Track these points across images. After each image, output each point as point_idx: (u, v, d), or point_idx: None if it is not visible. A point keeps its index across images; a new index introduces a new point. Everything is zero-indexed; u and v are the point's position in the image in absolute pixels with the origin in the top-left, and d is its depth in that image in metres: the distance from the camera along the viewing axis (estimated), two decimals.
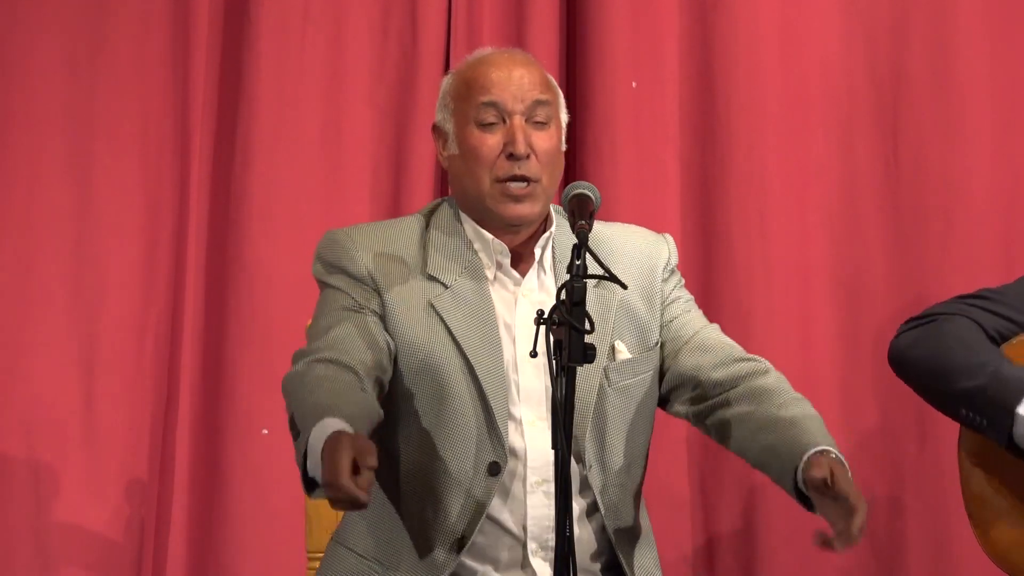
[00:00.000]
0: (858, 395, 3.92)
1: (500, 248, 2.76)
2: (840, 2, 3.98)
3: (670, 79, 3.97)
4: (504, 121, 2.73)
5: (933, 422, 3.77)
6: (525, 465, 2.69)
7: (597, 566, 2.77)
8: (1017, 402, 3.11)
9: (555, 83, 2.81)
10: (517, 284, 2.76)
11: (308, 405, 2.49)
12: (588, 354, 2.38)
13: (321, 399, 2.49)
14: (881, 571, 3.91)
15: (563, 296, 2.40)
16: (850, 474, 2.56)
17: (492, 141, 2.72)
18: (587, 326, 2.38)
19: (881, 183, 3.97)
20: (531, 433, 2.70)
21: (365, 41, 3.95)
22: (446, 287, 2.72)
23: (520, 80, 2.73)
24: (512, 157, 2.70)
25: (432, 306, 2.70)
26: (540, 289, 2.77)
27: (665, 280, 2.86)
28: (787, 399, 2.74)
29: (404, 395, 2.69)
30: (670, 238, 2.92)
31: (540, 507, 2.69)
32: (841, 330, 3.94)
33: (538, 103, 2.73)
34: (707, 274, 3.94)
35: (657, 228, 2.96)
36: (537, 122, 2.74)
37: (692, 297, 2.90)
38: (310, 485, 2.45)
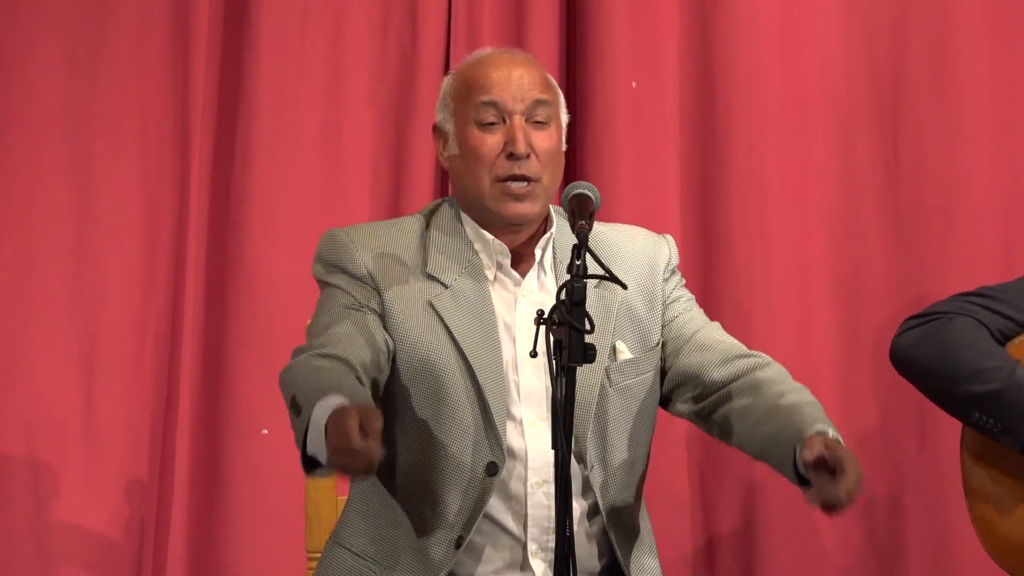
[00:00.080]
0: (858, 395, 3.92)
1: (500, 248, 2.76)
2: (840, 2, 3.98)
3: (670, 79, 3.97)
4: (504, 121, 2.73)
5: (933, 422, 3.77)
6: (525, 466, 2.69)
7: (597, 567, 2.77)
8: None
9: (555, 83, 2.81)
10: (517, 284, 2.76)
11: (310, 386, 2.49)
12: (588, 354, 2.38)
13: (323, 382, 2.49)
14: (881, 571, 3.91)
15: (563, 296, 2.40)
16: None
17: (492, 141, 2.72)
18: (587, 326, 2.38)
19: (881, 183, 3.97)
20: (531, 433, 2.70)
21: (365, 41, 3.95)
22: (446, 287, 2.73)
23: (520, 80, 2.73)
24: (512, 157, 2.71)
25: (431, 305, 2.70)
26: (540, 290, 2.77)
27: (666, 280, 2.86)
28: (787, 388, 2.74)
29: (403, 394, 2.70)
30: (671, 238, 2.92)
31: (540, 508, 2.69)
32: (841, 330, 3.94)
33: (538, 103, 2.74)
34: (707, 274, 3.94)
35: (657, 228, 2.96)
36: (537, 122, 2.74)
37: (693, 296, 2.91)
38: (310, 464, 2.44)
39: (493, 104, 2.73)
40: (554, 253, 2.80)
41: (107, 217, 3.86)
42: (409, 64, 3.95)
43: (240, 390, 3.84)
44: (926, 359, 3.25)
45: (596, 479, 2.72)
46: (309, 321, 2.75)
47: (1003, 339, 3.25)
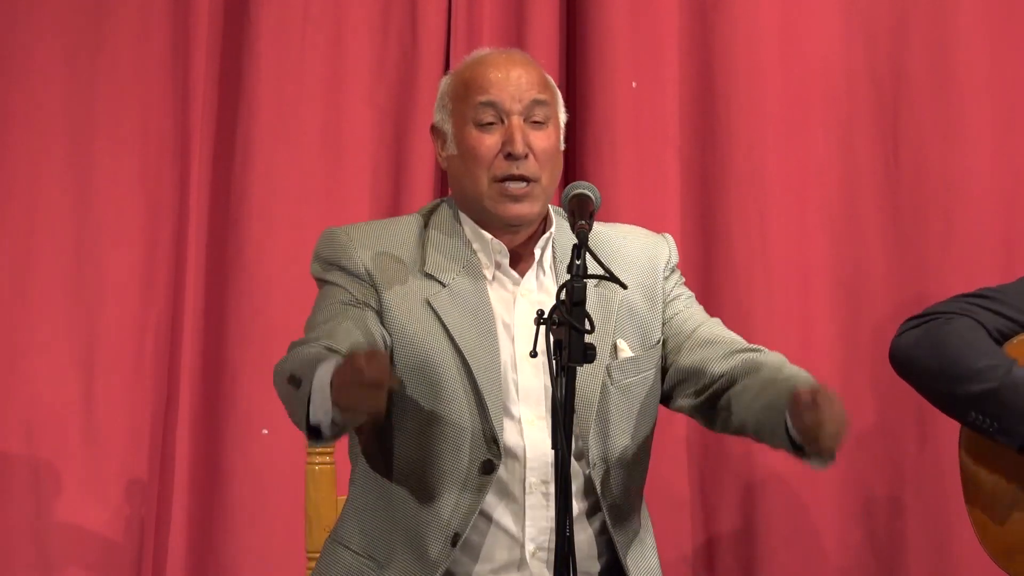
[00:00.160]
0: (858, 395, 3.92)
1: (499, 248, 2.76)
2: (840, 2, 3.98)
3: (670, 79, 3.97)
4: (502, 121, 2.73)
5: (933, 422, 3.78)
6: (524, 465, 2.69)
7: (597, 567, 2.77)
8: None
9: (553, 83, 2.81)
10: (516, 284, 2.76)
11: (308, 361, 2.51)
12: (588, 354, 2.38)
13: (322, 356, 2.50)
14: (881, 571, 3.91)
15: (563, 296, 2.40)
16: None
17: (490, 141, 2.73)
18: (587, 326, 2.38)
19: (881, 183, 3.97)
20: (530, 432, 2.70)
21: (365, 41, 3.95)
22: (444, 285, 2.73)
23: (518, 80, 2.74)
24: (510, 157, 2.71)
25: (429, 304, 2.70)
26: (539, 289, 2.77)
27: (666, 278, 2.86)
28: (785, 365, 2.74)
29: (400, 391, 2.69)
30: (670, 238, 2.92)
31: (539, 508, 2.69)
32: (841, 330, 3.94)
33: (536, 103, 2.74)
34: (707, 274, 3.94)
35: (657, 228, 2.97)
36: (535, 122, 2.74)
37: (692, 294, 2.91)
38: (314, 433, 2.46)
39: (491, 104, 2.73)
40: (553, 253, 2.80)
41: (107, 217, 3.86)
42: (409, 64, 3.96)
43: (240, 390, 3.84)
44: (924, 359, 3.26)
45: (597, 478, 2.72)
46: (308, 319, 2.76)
47: (1002, 339, 3.25)
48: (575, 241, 2.49)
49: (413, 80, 3.94)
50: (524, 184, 2.72)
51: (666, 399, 2.86)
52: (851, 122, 3.98)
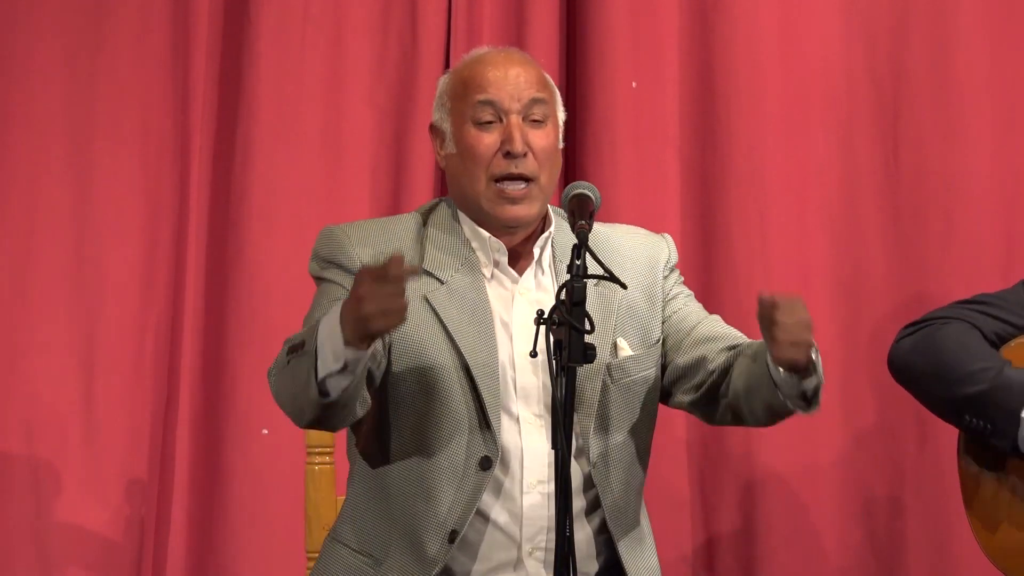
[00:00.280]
0: (858, 395, 3.92)
1: (498, 246, 2.76)
2: (840, 2, 3.98)
3: (670, 79, 3.97)
4: (501, 120, 2.73)
5: (933, 422, 3.76)
6: (521, 464, 2.69)
7: (595, 567, 2.77)
8: (1022, 405, 3.11)
9: (552, 81, 2.81)
10: (515, 282, 2.77)
11: (309, 327, 2.52)
12: (588, 354, 2.39)
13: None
14: (881, 571, 3.91)
15: (563, 296, 2.40)
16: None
17: (489, 140, 2.73)
18: (587, 326, 2.39)
19: (881, 183, 3.97)
20: (528, 431, 2.70)
21: (365, 41, 3.95)
22: (442, 283, 2.73)
23: (516, 79, 2.74)
24: (509, 155, 2.71)
25: (427, 301, 2.70)
26: (538, 288, 2.77)
27: (665, 277, 2.86)
28: None
29: (397, 388, 2.70)
30: (669, 237, 2.92)
31: (536, 507, 2.69)
32: (841, 330, 3.94)
33: (535, 101, 2.74)
34: (707, 274, 3.94)
35: (657, 228, 2.97)
36: (534, 120, 2.74)
37: (691, 293, 2.91)
38: (322, 392, 2.48)
39: (490, 103, 2.73)
40: (552, 252, 2.80)
41: (107, 217, 3.86)
42: (409, 64, 3.95)
43: (240, 390, 3.84)
44: (920, 365, 3.26)
45: (597, 476, 2.72)
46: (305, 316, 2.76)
47: (999, 343, 3.25)
48: (574, 240, 2.49)
49: (413, 80, 3.94)
50: (522, 185, 2.72)
51: (665, 396, 2.86)
52: (851, 122, 3.98)
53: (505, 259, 2.76)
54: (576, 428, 2.57)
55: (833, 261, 3.96)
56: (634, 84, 3.95)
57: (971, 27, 3.94)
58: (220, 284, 3.89)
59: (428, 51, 3.94)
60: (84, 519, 3.81)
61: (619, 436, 2.76)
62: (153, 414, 3.87)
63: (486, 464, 2.67)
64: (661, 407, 2.87)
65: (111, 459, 3.83)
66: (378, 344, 2.60)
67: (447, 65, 3.90)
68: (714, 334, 2.81)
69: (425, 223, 2.81)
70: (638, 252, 2.86)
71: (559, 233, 2.81)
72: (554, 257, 2.80)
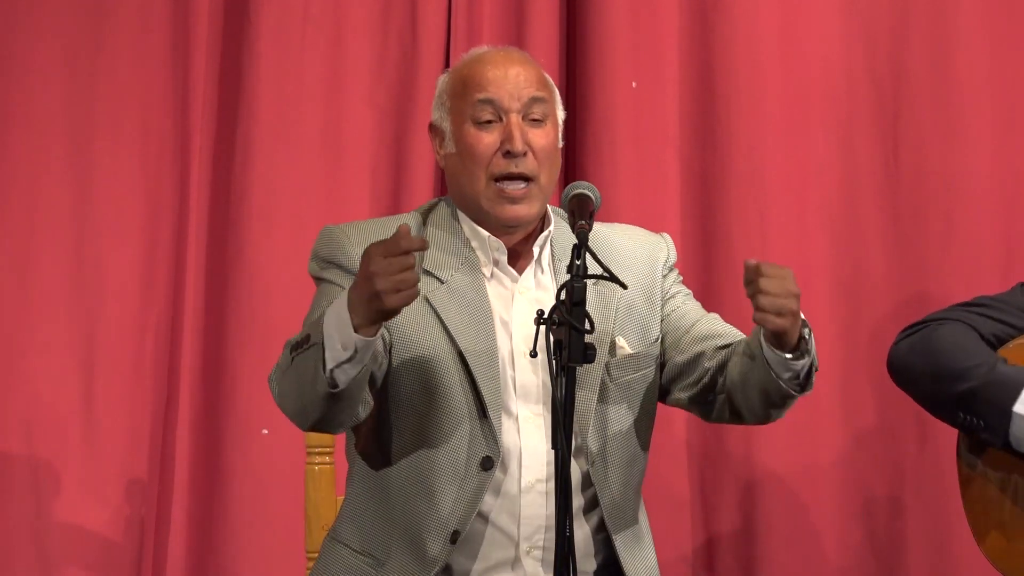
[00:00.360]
0: (858, 395, 3.92)
1: (497, 245, 2.76)
2: (840, 2, 3.98)
3: (670, 79, 3.97)
4: (501, 119, 2.73)
5: (933, 422, 3.75)
6: (520, 463, 2.69)
7: (593, 565, 2.77)
8: (1013, 401, 3.11)
9: (551, 80, 2.81)
10: (514, 281, 2.77)
11: (313, 321, 2.52)
12: (588, 354, 2.39)
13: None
14: (881, 571, 3.91)
15: (563, 296, 2.40)
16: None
17: (489, 139, 2.73)
18: (587, 326, 2.39)
19: (881, 183, 3.97)
20: (527, 430, 2.70)
21: (365, 41, 3.95)
22: (442, 282, 2.73)
23: (516, 78, 2.74)
24: (509, 154, 2.71)
25: (427, 300, 2.70)
26: (537, 287, 2.77)
27: (664, 276, 2.87)
28: None
29: (398, 388, 2.70)
30: (668, 237, 2.93)
31: (534, 507, 2.69)
32: (841, 330, 3.94)
33: (534, 100, 2.74)
34: (707, 274, 3.94)
35: (657, 228, 2.97)
36: (534, 119, 2.74)
37: (690, 292, 2.91)
38: (331, 384, 2.48)
39: (490, 102, 2.73)
40: (552, 251, 2.80)
41: (107, 217, 3.86)
42: (409, 64, 3.96)
43: (240, 390, 3.84)
44: (917, 365, 3.26)
45: (596, 474, 2.72)
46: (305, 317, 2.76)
47: (998, 344, 3.25)
48: (573, 239, 2.49)
49: (413, 80, 3.94)
50: (522, 185, 2.72)
51: (663, 394, 2.86)
52: (851, 122, 3.98)
53: (505, 258, 2.77)
54: (575, 427, 2.57)
55: (833, 261, 3.96)
56: (634, 84, 3.95)
57: (971, 27, 3.94)
58: (220, 284, 3.89)
59: (428, 51, 3.94)
60: (84, 519, 3.81)
61: (617, 435, 2.76)
62: (153, 414, 3.87)
63: (487, 464, 2.67)
64: (660, 406, 2.87)
65: (111, 459, 3.83)
66: (379, 345, 2.60)
67: (447, 65, 3.90)
68: (713, 332, 2.82)
69: (425, 223, 2.81)
70: (637, 251, 2.86)
71: (558, 232, 2.81)
72: (553, 256, 2.80)
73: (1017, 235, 3.93)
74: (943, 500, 3.82)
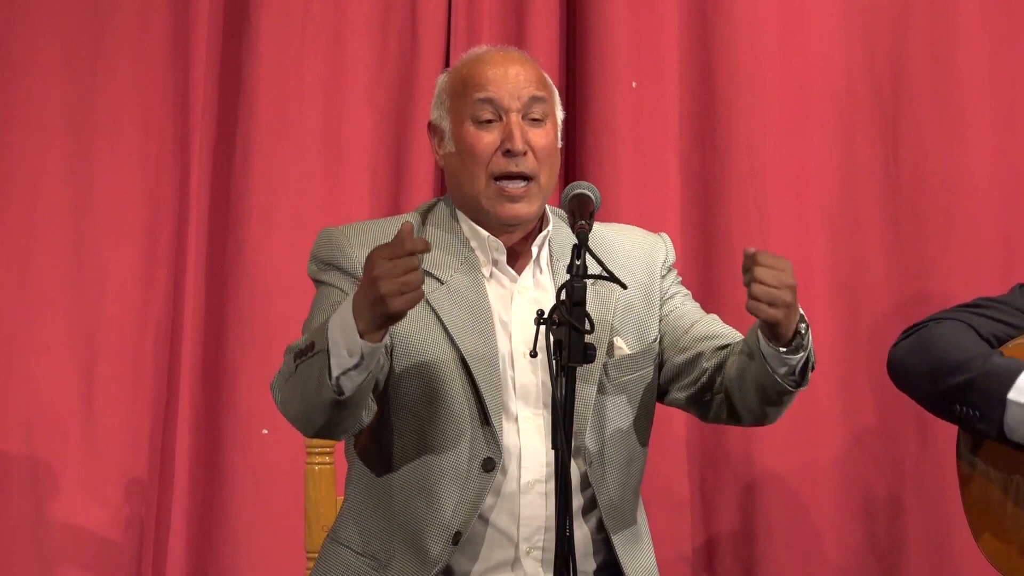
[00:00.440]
0: (858, 395, 3.92)
1: (496, 245, 2.76)
2: (840, 2, 3.98)
3: (670, 79, 3.97)
4: (501, 118, 2.73)
5: (933, 422, 3.76)
6: (519, 464, 2.69)
7: (593, 565, 2.77)
8: (1007, 390, 3.12)
9: (550, 80, 2.82)
10: (513, 281, 2.77)
11: (318, 329, 2.52)
12: (588, 354, 2.39)
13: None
14: (881, 571, 3.91)
15: (563, 296, 2.41)
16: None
17: (489, 138, 2.73)
18: (587, 326, 2.39)
19: (881, 183, 3.97)
20: (526, 430, 2.70)
21: (365, 41, 3.95)
22: (442, 283, 2.73)
23: (516, 77, 2.74)
24: (509, 153, 2.71)
25: (427, 302, 2.70)
26: (536, 287, 2.77)
27: (663, 277, 2.87)
28: None
29: (399, 391, 2.70)
30: (667, 237, 2.93)
31: (534, 507, 2.69)
32: (841, 330, 3.94)
33: (534, 100, 2.74)
34: (707, 274, 3.94)
35: (657, 228, 2.97)
36: (534, 119, 2.74)
37: (689, 292, 2.92)
38: (338, 391, 2.48)
39: (490, 101, 2.73)
40: (550, 250, 2.80)
41: (107, 217, 3.86)
42: (409, 64, 3.96)
43: (240, 390, 3.84)
44: (915, 365, 3.27)
45: (594, 475, 2.72)
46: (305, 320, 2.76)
47: (997, 343, 3.25)
48: (571, 238, 2.49)
49: (413, 80, 3.94)
50: (522, 184, 2.72)
51: (661, 394, 2.86)
52: (851, 122, 3.98)
53: (504, 258, 2.77)
54: (574, 427, 2.56)
55: (833, 261, 3.95)
56: (634, 84, 3.95)
57: (971, 27, 3.94)
58: (220, 284, 3.89)
59: (428, 51, 3.94)
60: (84, 519, 3.81)
61: (615, 435, 2.76)
62: (153, 414, 3.87)
63: (489, 465, 2.67)
64: (658, 406, 2.87)
65: (111, 459, 3.83)
66: (383, 350, 2.61)
67: (447, 65, 3.90)
68: (711, 332, 2.82)
69: (424, 223, 2.81)
70: (635, 251, 2.86)
71: (556, 232, 2.81)
72: (551, 255, 2.80)
73: (1017, 235, 3.93)
74: (943, 500, 3.82)
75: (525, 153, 2.72)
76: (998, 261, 3.89)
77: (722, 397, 2.75)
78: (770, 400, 2.67)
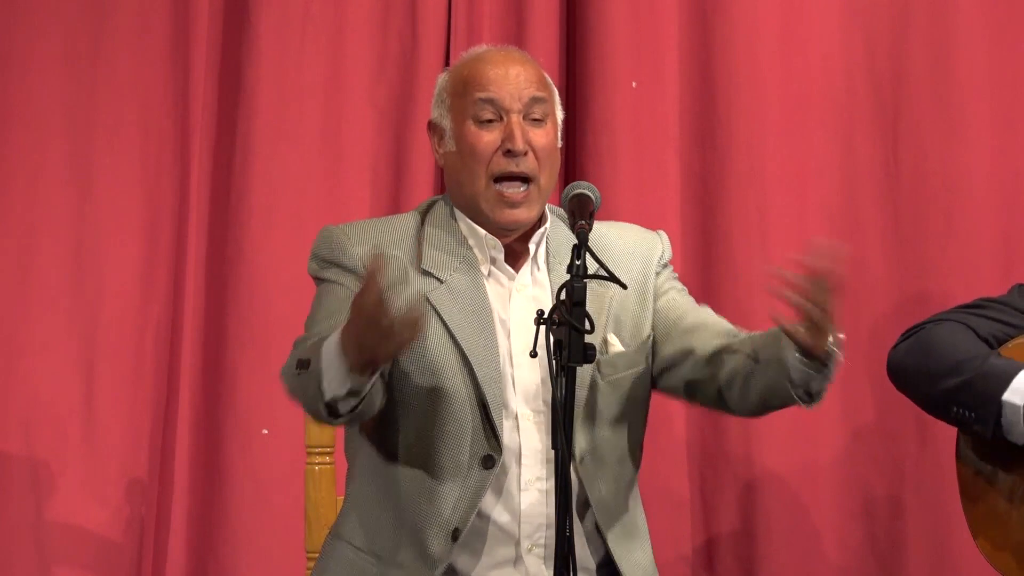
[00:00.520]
0: (857, 395, 3.92)
1: (494, 243, 2.76)
2: (840, 2, 3.98)
3: (670, 79, 3.97)
4: (501, 118, 2.73)
5: (933, 422, 3.75)
6: (519, 462, 2.70)
7: (593, 564, 2.77)
8: (1002, 391, 3.12)
9: (550, 80, 2.82)
10: (511, 279, 2.77)
11: (315, 341, 2.52)
12: (588, 354, 2.40)
13: (327, 336, 2.51)
14: (881, 571, 3.91)
15: (563, 296, 2.41)
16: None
17: (489, 138, 2.73)
18: (587, 326, 2.39)
19: (881, 183, 3.97)
20: (526, 427, 2.70)
21: (365, 41, 3.95)
22: (441, 282, 2.73)
23: (517, 77, 2.74)
24: (510, 153, 2.71)
25: (428, 301, 2.70)
26: (534, 285, 2.78)
27: (658, 274, 2.87)
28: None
29: (400, 388, 2.70)
30: (664, 234, 2.93)
31: (534, 504, 2.70)
32: (841, 330, 3.93)
33: (535, 100, 2.74)
34: (707, 274, 3.94)
35: (657, 228, 2.97)
36: (534, 119, 2.75)
37: (684, 288, 2.91)
38: (331, 411, 2.48)
39: (490, 101, 2.74)
40: (548, 248, 2.80)
41: (107, 217, 3.86)
42: (409, 64, 3.95)
43: (240, 390, 3.84)
44: (913, 367, 3.27)
45: (585, 472, 2.72)
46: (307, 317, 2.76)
47: (996, 344, 3.25)
48: (569, 237, 2.50)
49: (413, 80, 3.94)
50: (522, 188, 2.73)
51: (656, 383, 2.85)
52: (851, 122, 3.98)
53: (502, 256, 2.77)
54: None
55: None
56: (634, 84, 3.95)
57: (971, 27, 3.94)
58: (220, 284, 3.89)
59: (428, 51, 3.94)
60: (84, 519, 3.80)
61: (608, 432, 2.76)
62: (153, 414, 3.87)
63: (489, 462, 2.68)
64: (658, 406, 2.87)
65: (111, 459, 3.83)
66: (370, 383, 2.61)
67: (447, 65, 3.90)
68: (704, 323, 2.81)
69: (423, 222, 2.81)
70: (631, 249, 2.86)
71: (554, 229, 2.81)
72: (548, 253, 2.80)
73: (1017, 235, 3.93)
74: (943, 500, 3.81)
75: (526, 153, 2.72)
76: (998, 261, 3.89)
77: (715, 390, 2.74)
78: (771, 407, 2.68)
